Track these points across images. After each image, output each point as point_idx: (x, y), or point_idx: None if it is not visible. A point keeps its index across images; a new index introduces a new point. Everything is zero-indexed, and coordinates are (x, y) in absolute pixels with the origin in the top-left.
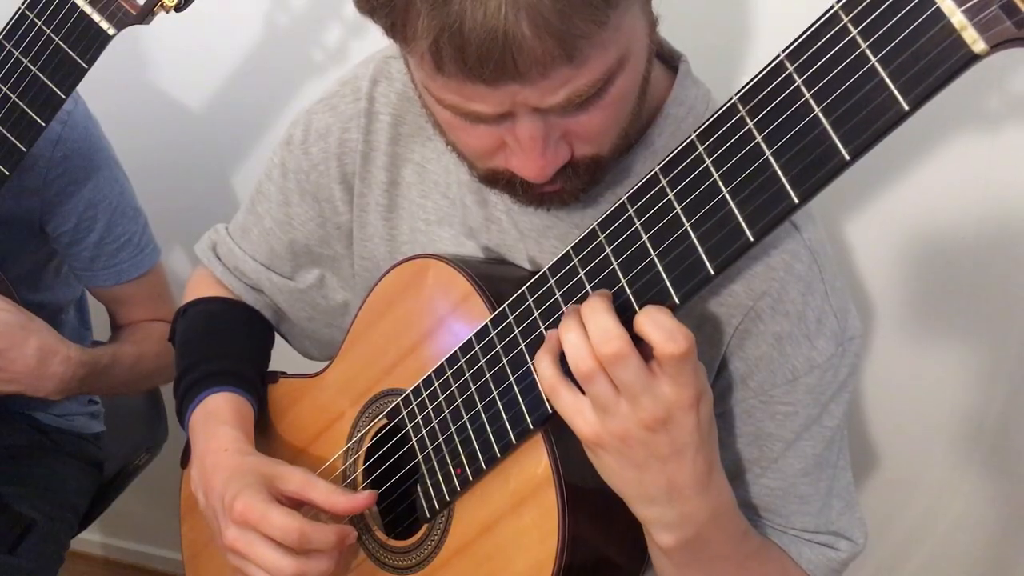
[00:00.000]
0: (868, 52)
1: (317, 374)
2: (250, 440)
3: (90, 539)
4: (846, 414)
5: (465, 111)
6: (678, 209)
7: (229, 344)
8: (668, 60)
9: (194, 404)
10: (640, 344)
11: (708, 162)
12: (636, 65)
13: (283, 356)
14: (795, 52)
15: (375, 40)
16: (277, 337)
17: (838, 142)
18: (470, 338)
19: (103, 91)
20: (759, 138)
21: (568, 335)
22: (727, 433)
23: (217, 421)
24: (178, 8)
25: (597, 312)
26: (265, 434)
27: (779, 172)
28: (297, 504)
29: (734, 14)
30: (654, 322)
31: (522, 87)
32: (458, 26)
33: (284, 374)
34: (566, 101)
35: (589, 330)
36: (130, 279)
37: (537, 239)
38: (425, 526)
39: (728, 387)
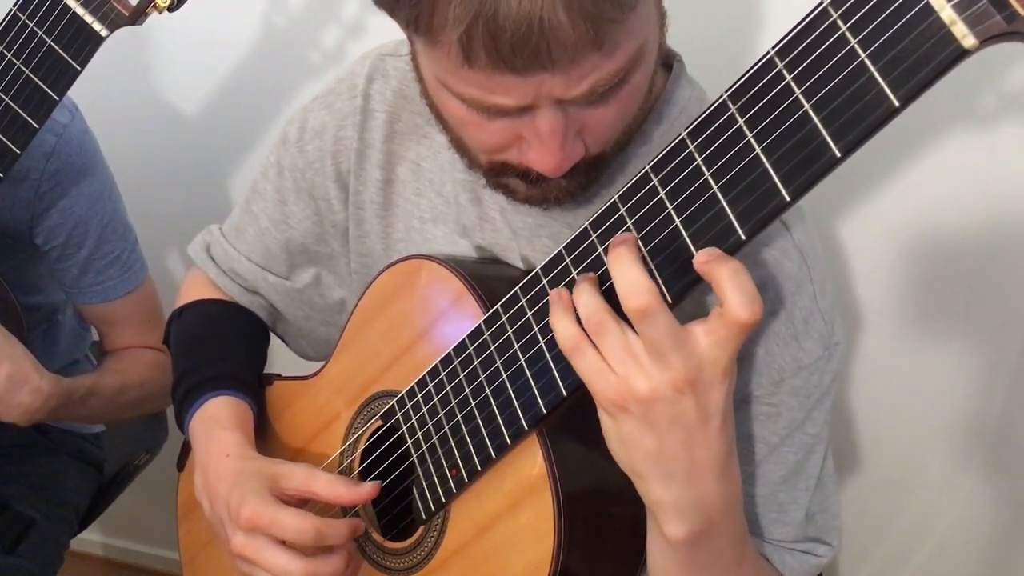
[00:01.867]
0: (858, 48)
1: (312, 376)
2: (251, 443)
3: (90, 539)
4: (827, 423)
5: (486, 105)
6: (669, 208)
7: (225, 347)
8: (664, 60)
9: (193, 409)
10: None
11: (699, 160)
12: (650, 58)
13: (279, 358)
14: (785, 48)
15: (372, 42)
16: (273, 338)
17: (828, 139)
18: (464, 339)
19: (99, 93)
20: (749, 135)
21: (581, 297)
22: None
23: (217, 426)
24: (171, 8)
25: (624, 263)
26: (261, 437)
27: (770, 169)
28: (302, 501)
29: (732, 11)
30: (736, 285)
31: (551, 76)
32: (492, 13)
33: (279, 376)
34: (590, 91)
35: (616, 281)
36: (116, 297)
37: (530, 238)
38: (421, 527)
39: None
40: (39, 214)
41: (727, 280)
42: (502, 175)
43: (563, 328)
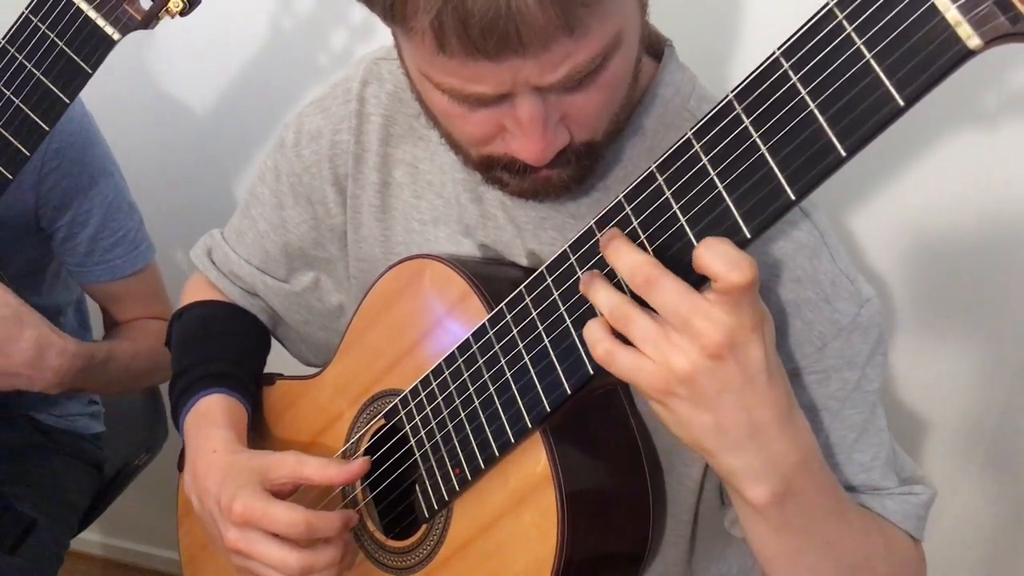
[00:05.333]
0: (863, 48)
1: (314, 375)
2: (241, 440)
3: (90, 539)
4: (882, 378)
5: (465, 94)
6: (675, 207)
7: (223, 347)
8: (654, 46)
9: (187, 407)
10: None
11: (704, 160)
12: (630, 46)
13: (280, 358)
14: (790, 49)
15: (380, 44)
16: (274, 340)
17: (834, 138)
18: (468, 337)
19: (106, 92)
20: (755, 135)
21: (598, 295)
22: None
23: (208, 423)
24: (183, 13)
25: (621, 251)
26: (262, 436)
27: (775, 168)
28: (293, 489)
29: (728, 12)
30: (715, 253)
31: (524, 61)
32: None
33: (281, 376)
34: (566, 77)
35: (618, 271)
36: (125, 276)
37: (534, 231)
38: (424, 526)
39: None
40: (43, 196)
41: (704, 257)
42: (491, 169)
43: (591, 333)
